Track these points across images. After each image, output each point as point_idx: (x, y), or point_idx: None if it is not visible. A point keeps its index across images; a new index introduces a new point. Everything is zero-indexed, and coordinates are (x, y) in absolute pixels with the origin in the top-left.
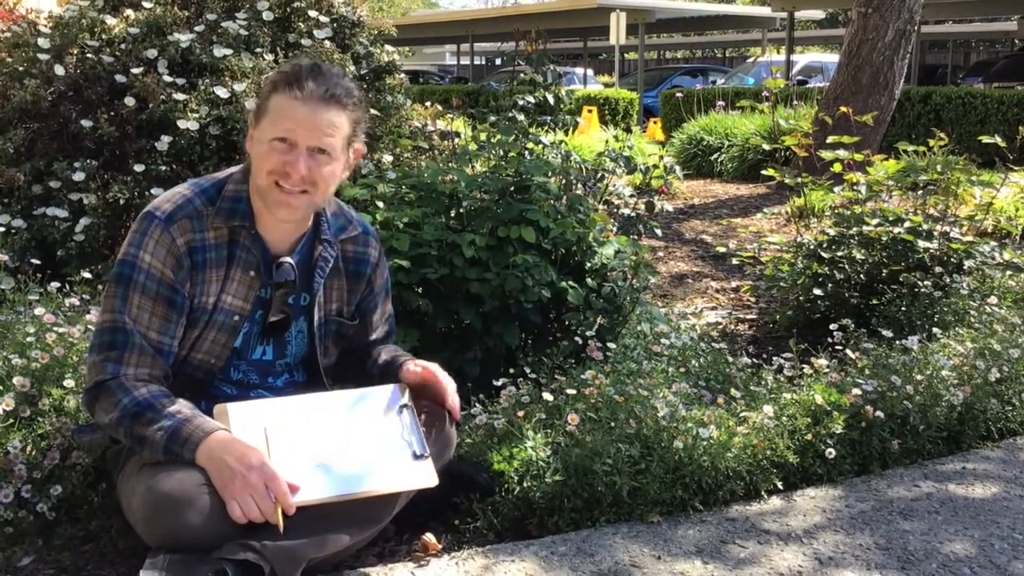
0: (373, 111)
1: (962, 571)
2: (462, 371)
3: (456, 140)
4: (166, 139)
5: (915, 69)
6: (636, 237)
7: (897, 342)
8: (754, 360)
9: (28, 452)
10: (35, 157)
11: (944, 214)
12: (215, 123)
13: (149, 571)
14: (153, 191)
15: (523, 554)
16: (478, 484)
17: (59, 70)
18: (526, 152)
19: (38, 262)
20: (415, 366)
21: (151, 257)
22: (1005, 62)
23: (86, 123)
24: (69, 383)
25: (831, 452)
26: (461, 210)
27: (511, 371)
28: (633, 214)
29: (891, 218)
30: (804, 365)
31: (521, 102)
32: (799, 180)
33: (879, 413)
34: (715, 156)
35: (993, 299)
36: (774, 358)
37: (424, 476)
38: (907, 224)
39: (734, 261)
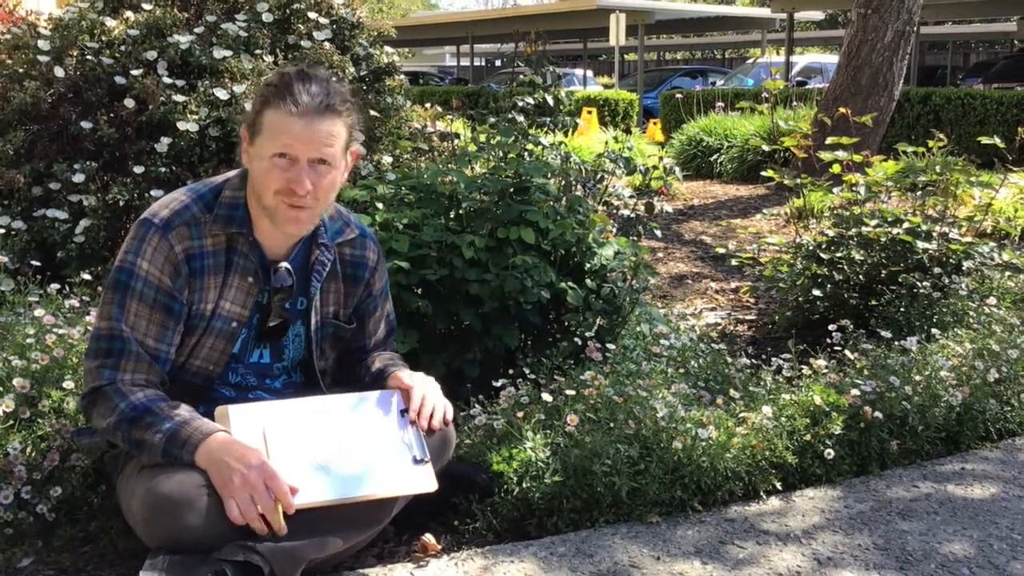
0: (373, 112)
1: (961, 571)
2: (462, 372)
3: (456, 141)
4: (166, 141)
5: (914, 70)
6: (636, 238)
7: (896, 343)
8: (753, 361)
9: (28, 453)
10: (35, 159)
11: (943, 215)
12: (215, 125)
13: (149, 572)
14: (153, 192)
15: (522, 555)
16: (477, 485)
17: (59, 72)
18: (525, 153)
19: (38, 264)
20: (399, 379)
21: (149, 264)
22: (1004, 63)
23: (86, 125)
24: (69, 385)
25: (830, 453)
26: (460, 211)
27: (510, 372)
28: (633, 215)
29: (890, 219)
30: (803, 366)
31: (521, 103)
32: (798, 181)
33: (878, 414)
34: (714, 157)
35: (992, 300)
36: (773, 359)
37: (424, 481)
38: (906, 225)
39: (733, 262)
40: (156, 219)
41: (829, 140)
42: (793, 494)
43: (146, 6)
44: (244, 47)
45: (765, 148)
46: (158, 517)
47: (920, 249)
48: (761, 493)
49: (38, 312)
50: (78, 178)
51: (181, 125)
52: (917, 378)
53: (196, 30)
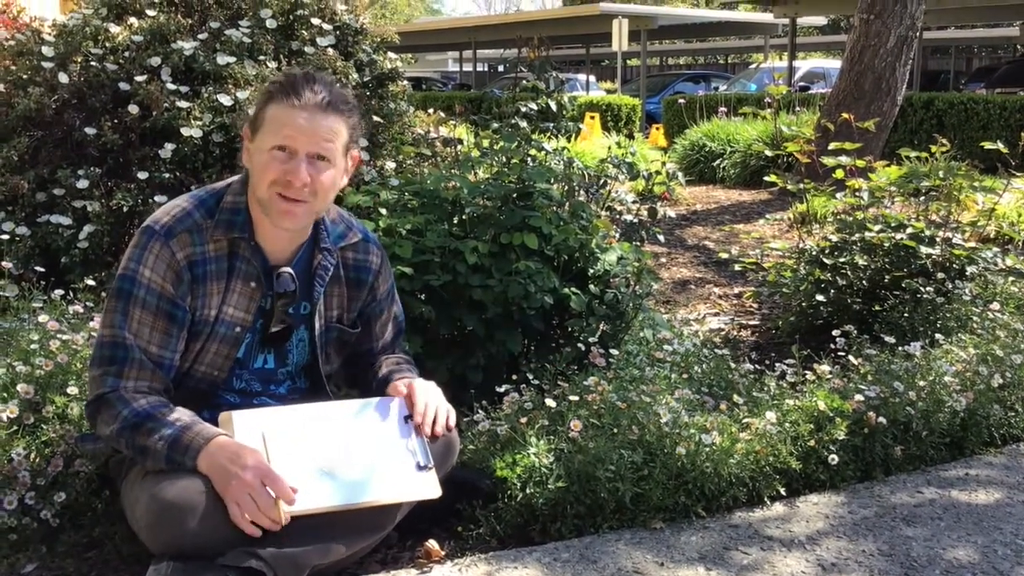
0: (376, 118)
1: None
2: (465, 377)
3: (459, 147)
4: (169, 147)
5: (917, 75)
6: (639, 243)
7: (900, 348)
8: (757, 366)
9: (32, 459)
10: (39, 165)
11: (946, 220)
12: (218, 130)
13: None
14: (156, 198)
15: (526, 561)
16: (481, 490)
17: (63, 78)
18: (528, 159)
19: (42, 270)
20: (402, 385)
21: (151, 272)
22: (1007, 68)
23: (90, 131)
24: (73, 390)
25: (834, 458)
26: (464, 217)
27: (514, 377)
28: (636, 220)
29: (893, 224)
30: (807, 371)
31: (524, 109)
32: (801, 186)
33: (882, 419)
34: (717, 162)
35: (995, 305)
36: (777, 364)
37: (428, 487)
38: (909, 230)
39: (736, 267)
40: (158, 226)
41: (832, 145)
42: (797, 500)
43: (150, 12)
44: (248, 53)
45: (768, 153)
46: (162, 523)
47: (924, 254)
48: (765, 499)
49: (42, 318)
50: (82, 184)
51: (185, 131)
52: (921, 383)
53: (200, 36)
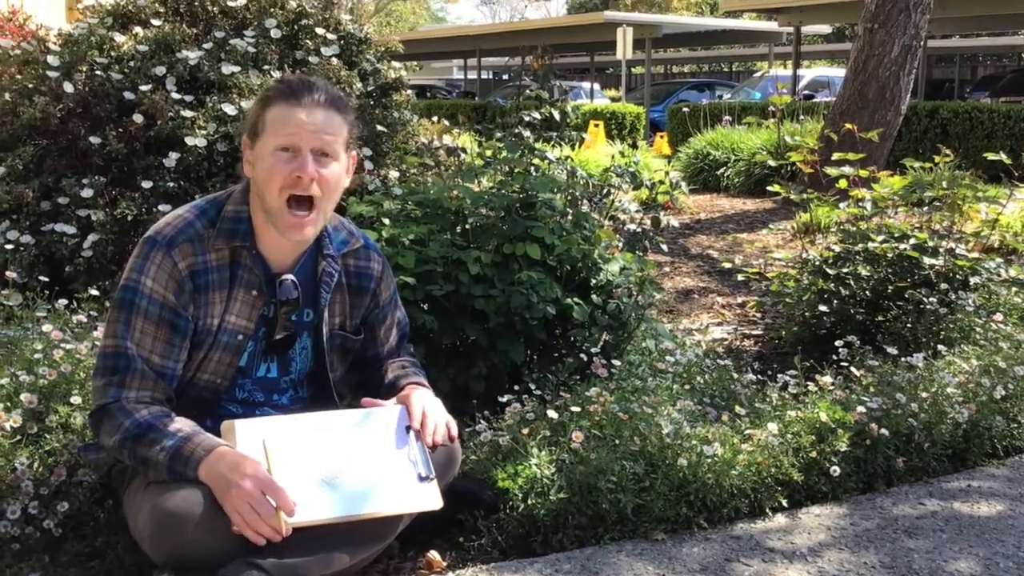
0: (380, 127)
1: None
2: (467, 387)
3: (462, 156)
4: (174, 156)
5: (922, 83)
6: (642, 253)
7: (902, 359)
8: (759, 377)
9: (35, 469)
10: (44, 173)
11: (950, 230)
12: (223, 140)
13: None
14: (161, 207)
15: (527, 572)
16: (483, 501)
17: (68, 87)
18: (532, 168)
19: (46, 279)
20: (402, 397)
21: (153, 282)
22: (1012, 76)
23: (94, 140)
24: (76, 400)
25: (836, 470)
26: (467, 227)
27: (516, 387)
28: (639, 229)
29: (896, 234)
30: (809, 382)
31: (527, 118)
32: (804, 196)
33: (884, 431)
34: (721, 171)
35: (999, 316)
36: (779, 375)
37: (429, 498)
38: (912, 241)
39: (740, 277)
40: (159, 237)
41: (835, 156)
42: (799, 511)
43: (155, 22)
44: (252, 63)
45: (772, 163)
46: (164, 533)
47: (927, 265)
48: (767, 510)
49: (46, 327)
50: (86, 193)
51: (189, 140)
52: (923, 395)
53: (205, 46)
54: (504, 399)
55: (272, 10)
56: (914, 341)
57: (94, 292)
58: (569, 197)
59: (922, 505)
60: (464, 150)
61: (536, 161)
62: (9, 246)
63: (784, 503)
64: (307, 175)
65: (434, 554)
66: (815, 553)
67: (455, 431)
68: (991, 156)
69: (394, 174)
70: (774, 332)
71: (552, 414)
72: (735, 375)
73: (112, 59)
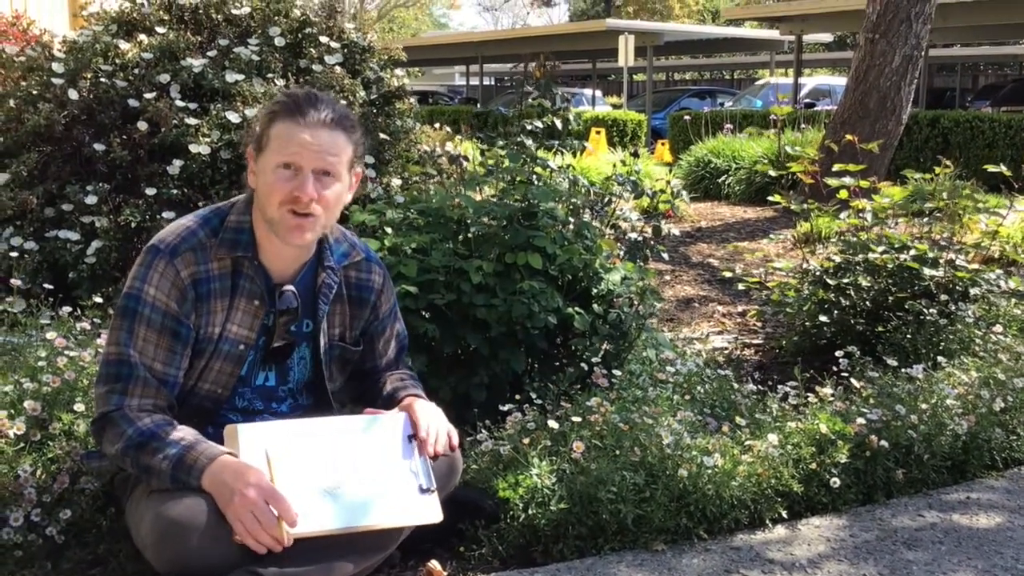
0: (382, 135)
1: None
2: (468, 396)
3: (464, 164)
4: (178, 163)
5: (923, 92)
6: (643, 262)
7: (902, 370)
8: (759, 387)
9: (38, 476)
10: (48, 180)
11: (950, 241)
12: (226, 147)
13: None
14: (164, 214)
15: None
16: (484, 511)
17: (73, 94)
18: (534, 177)
19: (50, 286)
20: (405, 407)
21: (155, 290)
22: (1013, 86)
23: (99, 147)
24: (79, 407)
25: (836, 481)
26: (469, 236)
27: (517, 397)
28: (640, 238)
29: (897, 245)
30: (809, 393)
31: (529, 127)
32: (805, 206)
33: (884, 442)
34: (722, 179)
35: (998, 327)
36: (779, 385)
37: (429, 511)
38: (913, 251)
39: (740, 286)
40: (162, 245)
41: (836, 166)
42: (799, 523)
43: (160, 29)
44: (256, 71)
45: (772, 173)
46: (166, 541)
47: (927, 276)
48: (767, 521)
49: (50, 334)
50: (90, 199)
51: (193, 148)
52: (923, 406)
53: (209, 54)
54: (505, 408)
55: (276, 18)
56: (914, 352)
57: (98, 299)
58: (571, 207)
59: (921, 517)
60: (466, 158)
61: (538, 170)
62: (13, 253)
63: (784, 514)
64: (306, 196)
65: (435, 564)
66: (814, 564)
67: (456, 440)
68: (991, 168)
69: (396, 182)
70: (774, 341)
71: (553, 424)
72: (735, 385)
73: (117, 66)
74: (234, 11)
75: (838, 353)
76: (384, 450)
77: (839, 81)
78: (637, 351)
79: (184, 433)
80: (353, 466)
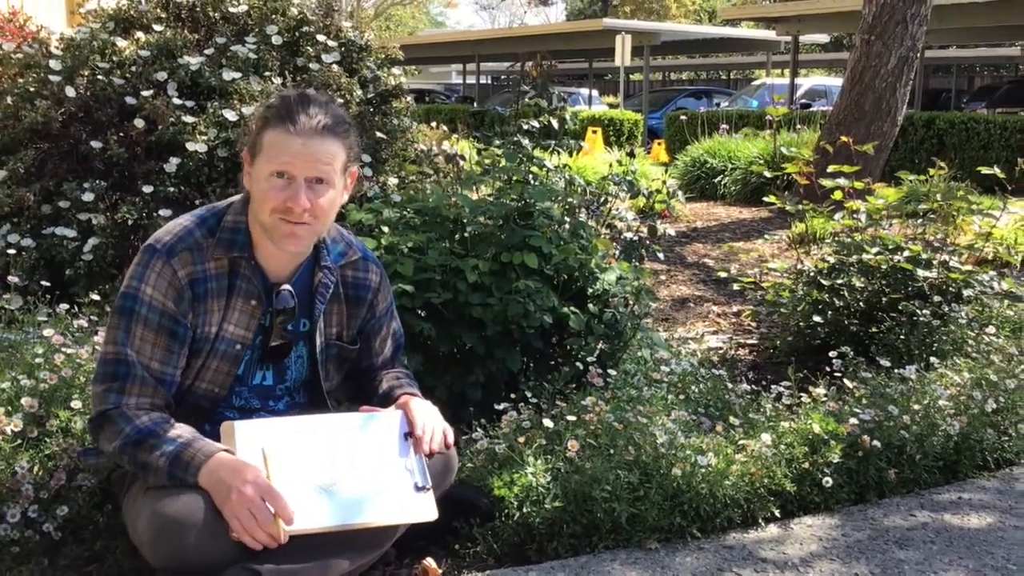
0: (379, 134)
1: None
2: (464, 395)
3: (461, 163)
4: (175, 161)
5: (919, 94)
6: (638, 262)
7: (895, 371)
8: (753, 387)
9: (35, 472)
10: (45, 177)
11: (943, 243)
12: (223, 145)
13: None
14: (161, 212)
15: None
16: (479, 509)
17: (70, 91)
18: (530, 177)
19: (47, 283)
20: (400, 405)
21: (152, 290)
22: (1009, 87)
23: (96, 144)
24: (76, 404)
25: (828, 481)
26: (465, 235)
27: (513, 395)
28: (636, 238)
29: (890, 246)
30: (802, 393)
31: (526, 126)
32: (800, 207)
33: (876, 442)
34: (718, 179)
35: (991, 329)
36: (773, 385)
37: (424, 509)
38: (906, 253)
39: (735, 286)
40: (159, 245)
41: (831, 168)
42: (791, 522)
43: (157, 27)
44: (253, 69)
45: (768, 174)
46: (163, 538)
47: (920, 277)
48: (759, 520)
49: (47, 331)
50: (87, 197)
51: (190, 146)
52: (915, 407)
53: (206, 52)
54: (501, 407)
55: (273, 17)
56: (907, 352)
57: (95, 296)
58: (567, 206)
59: (913, 517)
60: (463, 157)
61: (534, 169)
62: (10, 250)
63: (776, 513)
64: (299, 207)
65: (430, 561)
66: (806, 563)
67: (452, 439)
68: (985, 170)
69: (393, 181)
70: (769, 342)
71: (548, 423)
72: (729, 385)
73: (114, 64)
74: (231, 9)
75: (832, 353)
76: (380, 448)
77: (835, 82)
78: (632, 351)
79: (181, 431)
80: (349, 464)
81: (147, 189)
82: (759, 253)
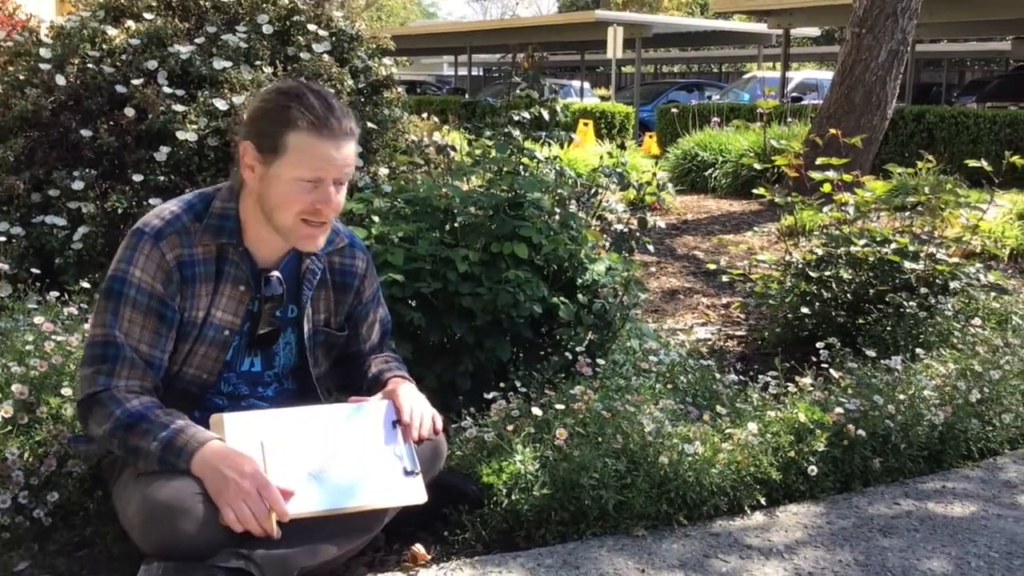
0: (370, 124)
1: None
2: (454, 384)
3: (452, 154)
4: (165, 150)
5: (909, 87)
6: (628, 253)
7: (881, 362)
8: (741, 377)
9: (26, 459)
10: (35, 166)
11: (931, 235)
12: (213, 134)
13: None
14: (151, 201)
15: (510, 566)
16: (468, 496)
17: (60, 80)
18: (520, 168)
19: (37, 271)
20: (388, 392)
21: (141, 272)
22: (998, 82)
23: (86, 133)
24: (67, 391)
25: (813, 469)
26: (455, 225)
27: (502, 385)
28: (626, 230)
29: (878, 239)
30: (789, 383)
31: (517, 118)
32: (789, 199)
33: (861, 432)
34: (709, 172)
35: (977, 320)
36: (760, 376)
37: (414, 493)
38: (894, 245)
39: (724, 278)
40: (147, 228)
41: (820, 160)
42: (777, 510)
43: (147, 16)
44: (244, 58)
45: (757, 167)
46: (154, 523)
47: (907, 269)
48: (745, 508)
49: (37, 319)
50: (77, 185)
51: (180, 135)
52: (901, 397)
53: (196, 40)
54: (490, 396)
55: (264, 6)
56: (893, 344)
57: (85, 285)
58: (557, 197)
59: (897, 505)
60: (454, 148)
61: (525, 161)
62: (0, 238)
63: (762, 501)
64: (329, 208)
65: (419, 547)
66: (791, 551)
67: (440, 424)
68: (972, 164)
69: (384, 171)
70: (757, 333)
71: (537, 411)
72: (717, 375)
73: (104, 52)
74: None
75: (819, 344)
76: (369, 436)
77: (826, 75)
78: (621, 341)
79: (174, 416)
80: (338, 451)
81: (137, 178)
82: (748, 245)
